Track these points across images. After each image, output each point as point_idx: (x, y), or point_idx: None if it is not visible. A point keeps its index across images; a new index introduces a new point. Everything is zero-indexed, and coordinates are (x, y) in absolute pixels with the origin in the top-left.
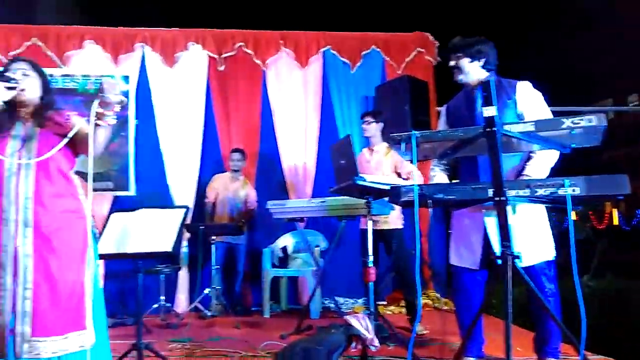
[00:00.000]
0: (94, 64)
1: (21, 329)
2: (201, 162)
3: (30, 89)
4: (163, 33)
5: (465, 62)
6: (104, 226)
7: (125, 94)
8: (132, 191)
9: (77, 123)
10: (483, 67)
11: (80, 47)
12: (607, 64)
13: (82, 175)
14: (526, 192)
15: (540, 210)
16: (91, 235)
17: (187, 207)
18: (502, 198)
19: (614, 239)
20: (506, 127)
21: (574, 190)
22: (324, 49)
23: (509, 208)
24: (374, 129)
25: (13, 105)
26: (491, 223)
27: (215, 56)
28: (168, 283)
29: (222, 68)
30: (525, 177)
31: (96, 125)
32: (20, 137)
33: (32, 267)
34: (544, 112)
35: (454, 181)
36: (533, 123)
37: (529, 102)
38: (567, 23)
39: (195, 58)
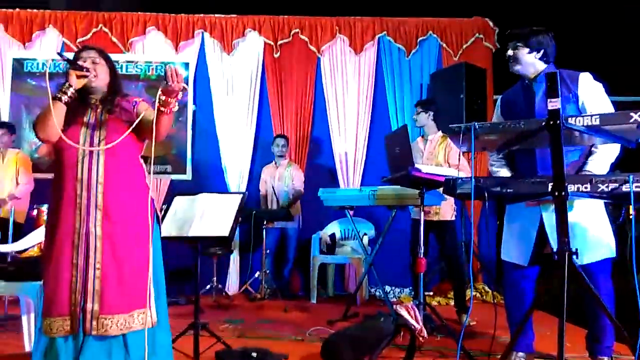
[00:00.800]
0: (156, 51)
1: (91, 306)
2: (254, 148)
3: (100, 76)
4: (221, 20)
5: (523, 53)
6: (166, 209)
7: (185, 80)
8: (188, 175)
9: (143, 110)
10: (541, 59)
11: (143, 33)
12: None
13: (144, 159)
14: (587, 187)
15: (599, 206)
16: (154, 218)
17: (244, 193)
18: (562, 193)
19: None
20: (570, 121)
21: (638, 187)
22: (379, 35)
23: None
24: (424, 118)
25: (84, 93)
26: (549, 218)
27: (271, 43)
28: (220, 265)
29: (277, 55)
30: (586, 173)
31: (160, 111)
32: (91, 123)
33: (102, 248)
34: (606, 104)
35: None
36: (598, 117)
37: (591, 94)
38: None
39: (252, 45)
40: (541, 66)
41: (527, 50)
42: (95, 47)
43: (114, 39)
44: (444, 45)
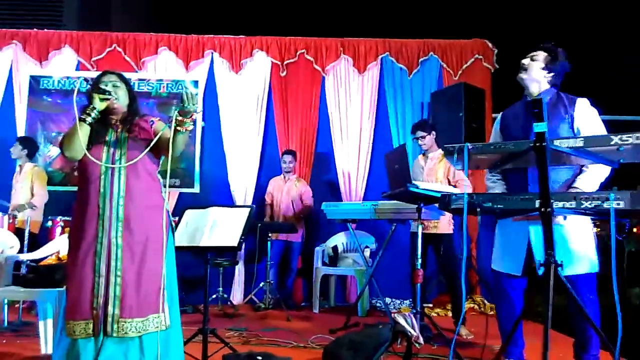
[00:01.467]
0: (167, 69)
1: (112, 310)
2: (260, 163)
3: (120, 99)
4: (230, 40)
5: (537, 67)
6: (178, 221)
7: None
8: (196, 189)
9: (159, 128)
10: (549, 80)
11: (155, 53)
12: None
13: (159, 173)
14: (572, 204)
15: (586, 223)
16: (169, 229)
17: (252, 207)
18: (548, 209)
19: None
20: (556, 142)
21: (618, 204)
22: (382, 55)
23: (560, 217)
24: (429, 140)
25: (105, 114)
26: (535, 232)
27: (278, 62)
28: (225, 276)
29: (284, 74)
30: (574, 190)
31: (176, 130)
32: (112, 142)
33: (122, 257)
34: (599, 129)
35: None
36: (582, 139)
37: (586, 119)
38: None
39: (259, 64)
40: (545, 86)
41: (542, 65)
42: (115, 71)
43: (127, 58)
44: (445, 65)
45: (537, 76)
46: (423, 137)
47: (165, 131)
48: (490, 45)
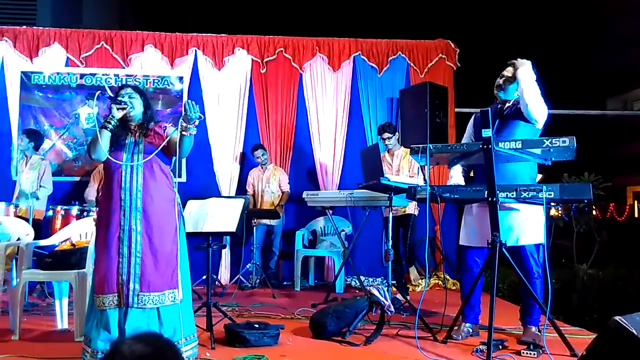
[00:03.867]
0: (153, 66)
1: (133, 285)
2: (242, 154)
3: (136, 108)
4: (213, 39)
5: (513, 86)
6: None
7: (180, 92)
8: (183, 178)
9: (170, 133)
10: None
11: (141, 50)
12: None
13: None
14: (513, 194)
15: (537, 208)
16: (180, 216)
17: (247, 197)
18: (494, 198)
19: (615, 231)
20: (500, 144)
21: (549, 194)
22: (355, 54)
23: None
24: (394, 140)
25: (124, 121)
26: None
27: (258, 60)
28: (213, 258)
29: (263, 71)
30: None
31: (182, 135)
32: (131, 145)
33: (141, 241)
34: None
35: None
36: (521, 141)
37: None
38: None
39: (240, 61)
40: (514, 97)
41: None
42: (131, 84)
43: (115, 55)
44: (412, 64)
45: (511, 93)
46: (389, 138)
47: (174, 135)
48: (452, 45)
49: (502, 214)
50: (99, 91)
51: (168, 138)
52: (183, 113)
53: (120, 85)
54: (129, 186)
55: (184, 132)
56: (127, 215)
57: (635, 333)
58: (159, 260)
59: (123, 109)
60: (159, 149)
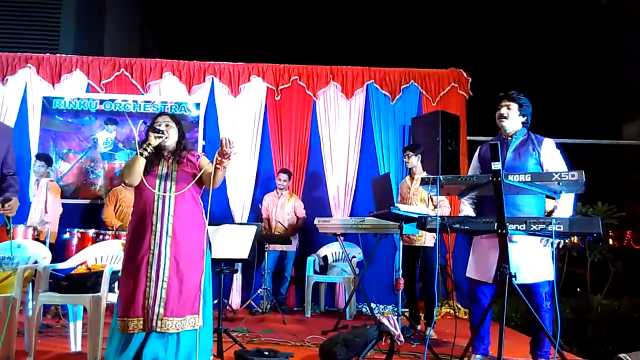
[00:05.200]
0: (171, 92)
1: (157, 310)
2: (256, 180)
3: (171, 137)
4: (229, 67)
5: (514, 114)
6: None
7: (196, 118)
8: None
9: (204, 164)
10: (523, 122)
11: (160, 77)
12: None
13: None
14: (523, 227)
15: (543, 243)
16: (207, 244)
17: (259, 225)
18: (504, 231)
19: (632, 260)
20: (510, 177)
21: (559, 228)
22: (368, 82)
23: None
24: (414, 160)
25: (158, 148)
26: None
27: (273, 87)
28: (224, 283)
29: (278, 98)
30: (555, 217)
31: (216, 168)
32: (164, 172)
33: (169, 266)
34: (560, 165)
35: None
36: (530, 174)
37: (550, 157)
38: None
39: (256, 88)
40: (519, 127)
41: (518, 113)
42: (168, 113)
43: (134, 82)
44: (424, 92)
45: (514, 122)
46: (409, 156)
47: (208, 167)
48: (465, 74)
49: (511, 249)
50: (142, 120)
51: (202, 170)
52: (220, 148)
53: (158, 113)
54: (160, 212)
55: (218, 166)
56: (157, 240)
57: None
58: (184, 286)
59: (159, 137)
60: (194, 181)
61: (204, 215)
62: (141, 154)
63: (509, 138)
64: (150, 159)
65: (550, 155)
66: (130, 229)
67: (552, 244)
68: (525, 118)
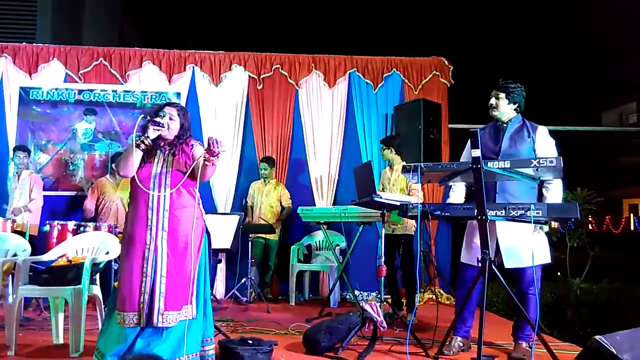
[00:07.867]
0: (151, 82)
1: (158, 304)
2: (239, 169)
3: (172, 131)
4: (210, 55)
5: (504, 103)
6: None
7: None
8: None
9: (198, 155)
10: (515, 109)
11: (139, 66)
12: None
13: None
14: (502, 212)
15: (529, 229)
16: (205, 235)
17: (241, 214)
18: (483, 217)
19: (611, 244)
20: (489, 164)
21: (537, 213)
22: (350, 71)
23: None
24: (388, 153)
25: (156, 139)
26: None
27: (255, 76)
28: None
29: (260, 87)
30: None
31: (205, 165)
32: (159, 163)
33: (167, 261)
34: (552, 151)
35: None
36: (509, 161)
37: (543, 144)
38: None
39: (237, 78)
40: (513, 114)
41: (507, 101)
42: (176, 104)
43: (113, 71)
44: (406, 80)
45: (505, 110)
46: (383, 150)
47: (200, 161)
48: (446, 62)
49: (511, 234)
50: (148, 117)
51: (192, 166)
52: (206, 146)
53: (165, 103)
54: (156, 206)
55: (207, 163)
56: (153, 234)
57: (615, 352)
58: (180, 279)
59: (158, 129)
60: (186, 176)
61: (200, 206)
62: (137, 146)
63: (504, 125)
64: (147, 149)
65: (544, 142)
66: (126, 222)
67: (541, 228)
68: (516, 105)
